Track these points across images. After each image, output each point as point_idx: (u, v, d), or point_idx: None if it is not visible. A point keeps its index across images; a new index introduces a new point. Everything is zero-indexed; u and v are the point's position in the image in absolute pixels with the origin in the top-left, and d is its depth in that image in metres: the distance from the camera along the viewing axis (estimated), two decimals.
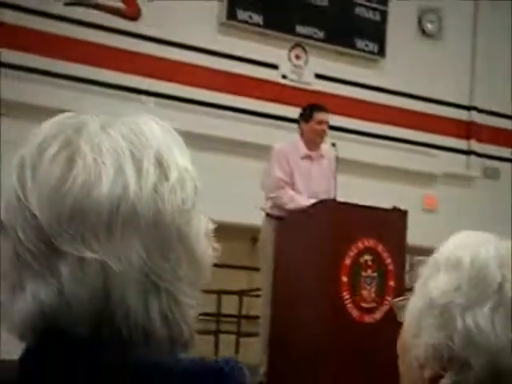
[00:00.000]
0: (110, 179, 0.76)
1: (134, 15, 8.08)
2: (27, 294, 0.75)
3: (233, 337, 7.96)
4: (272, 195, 5.67)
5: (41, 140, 0.79)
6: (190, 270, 0.79)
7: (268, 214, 5.77)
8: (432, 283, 1.11)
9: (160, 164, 0.79)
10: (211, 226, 0.84)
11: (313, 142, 5.87)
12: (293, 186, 5.73)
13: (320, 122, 5.84)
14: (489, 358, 1.04)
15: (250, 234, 7.58)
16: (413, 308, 1.13)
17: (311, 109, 5.95)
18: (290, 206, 5.59)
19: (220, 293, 8.04)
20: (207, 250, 0.82)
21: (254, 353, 6.07)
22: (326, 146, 5.96)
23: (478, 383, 1.05)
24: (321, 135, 5.87)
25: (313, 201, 5.51)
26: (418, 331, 1.11)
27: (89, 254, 0.74)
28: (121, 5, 7.99)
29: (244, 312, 8.40)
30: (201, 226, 0.81)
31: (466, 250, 1.11)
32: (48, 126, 0.81)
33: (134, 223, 0.75)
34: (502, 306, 1.05)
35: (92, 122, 0.80)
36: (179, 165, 0.81)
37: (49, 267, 0.74)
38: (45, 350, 0.75)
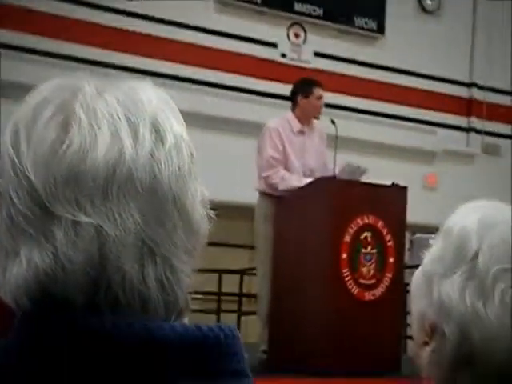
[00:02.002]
0: (105, 144, 0.75)
1: None
2: (22, 259, 0.75)
3: (234, 315, 8.00)
4: (264, 174, 5.63)
5: (35, 103, 0.79)
6: (185, 237, 0.79)
7: (261, 192, 5.75)
8: (427, 252, 1.14)
9: (156, 129, 0.78)
10: (207, 194, 0.84)
11: (309, 117, 5.83)
12: (286, 162, 5.67)
13: (319, 98, 5.81)
14: (460, 327, 1.05)
15: (250, 213, 7.60)
16: (414, 277, 1.15)
17: (310, 84, 5.89)
18: (281, 186, 5.54)
19: (221, 272, 8.07)
20: (203, 217, 0.82)
21: (255, 331, 6.10)
22: (315, 121, 5.91)
23: (454, 352, 1.06)
24: (319, 111, 5.85)
25: (305, 180, 5.47)
26: (413, 299, 1.14)
27: (84, 218, 0.73)
28: None
29: (245, 291, 8.43)
30: (196, 194, 0.81)
31: (460, 218, 1.12)
32: (43, 89, 0.80)
33: (130, 188, 0.75)
34: (474, 275, 1.05)
35: (87, 86, 0.80)
36: (175, 131, 0.80)
37: (43, 231, 0.74)
38: (41, 317, 0.75)
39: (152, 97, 0.81)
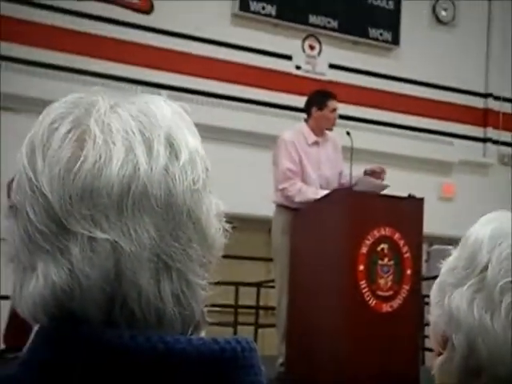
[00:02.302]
0: (120, 159, 0.75)
1: (146, 8, 8.10)
2: (39, 275, 0.75)
3: (251, 328, 7.98)
4: (280, 187, 5.63)
5: (51, 120, 0.79)
6: (201, 251, 0.79)
7: (278, 205, 5.76)
8: (445, 261, 1.14)
9: (170, 144, 0.79)
10: (222, 208, 0.84)
11: (323, 128, 5.83)
12: (302, 174, 5.67)
13: (333, 110, 5.81)
14: (468, 339, 1.05)
15: (267, 226, 7.59)
16: (433, 286, 1.15)
17: (325, 96, 5.90)
18: (298, 198, 5.53)
19: (238, 284, 8.06)
20: (218, 231, 0.82)
21: (272, 344, 6.09)
22: (326, 131, 5.91)
23: (462, 363, 1.06)
24: (333, 123, 5.85)
25: (322, 193, 5.47)
26: (430, 309, 1.14)
27: (99, 234, 0.74)
28: None
29: (262, 303, 8.42)
30: (211, 208, 0.81)
31: (475, 229, 1.12)
32: (57, 106, 0.81)
33: (145, 203, 0.75)
34: (483, 288, 1.05)
35: (101, 101, 0.80)
36: (189, 145, 0.80)
37: (60, 248, 0.75)
38: (58, 332, 0.75)
39: (166, 111, 0.81)
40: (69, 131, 0.77)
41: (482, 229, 1.11)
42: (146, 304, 0.75)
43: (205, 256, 0.80)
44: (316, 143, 5.81)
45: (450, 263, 1.12)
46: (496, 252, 1.07)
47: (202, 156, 0.82)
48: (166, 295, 0.76)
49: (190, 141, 0.81)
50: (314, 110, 5.81)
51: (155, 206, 0.76)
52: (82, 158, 0.75)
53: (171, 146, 0.79)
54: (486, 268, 1.06)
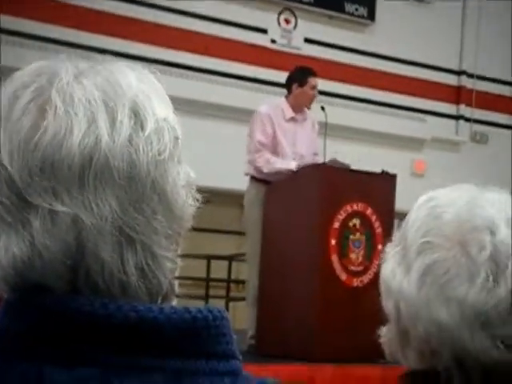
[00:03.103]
0: (82, 131, 0.74)
1: None
2: (1, 247, 0.75)
3: (222, 301, 8.01)
4: (249, 158, 5.68)
5: (13, 90, 0.78)
6: (166, 223, 0.78)
7: (252, 178, 5.76)
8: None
9: (135, 114, 0.77)
10: (193, 176, 0.83)
11: (302, 105, 5.84)
12: (276, 148, 5.68)
13: (313, 87, 5.81)
14: (395, 304, 1.07)
15: (239, 199, 7.59)
16: None
17: (306, 73, 5.88)
18: (266, 169, 5.57)
19: (210, 257, 8.07)
20: (186, 201, 0.81)
21: (243, 317, 6.11)
22: (306, 109, 5.91)
23: (395, 329, 1.09)
24: (312, 100, 5.85)
25: (291, 163, 5.49)
26: None
27: (60, 207, 0.73)
28: None
29: (233, 277, 8.45)
30: (179, 178, 0.80)
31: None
32: (21, 74, 0.79)
33: (107, 176, 0.74)
34: (406, 253, 1.07)
35: (65, 70, 0.78)
36: (157, 114, 0.79)
37: (21, 220, 0.74)
38: (21, 300, 0.75)
39: (132, 80, 0.80)
40: (30, 101, 0.76)
41: (418, 201, 1.12)
42: (109, 276, 0.75)
43: (171, 228, 0.79)
44: (293, 119, 5.81)
45: (395, 236, 1.14)
46: (418, 215, 1.08)
47: (171, 125, 0.80)
48: (130, 268, 0.76)
49: (158, 110, 0.80)
50: (294, 86, 5.81)
51: (117, 178, 0.75)
52: (41, 130, 0.74)
53: (136, 116, 0.77)
54: (421, 250, 1.07)
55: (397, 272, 1.07)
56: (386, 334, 1.12)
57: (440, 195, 1.11)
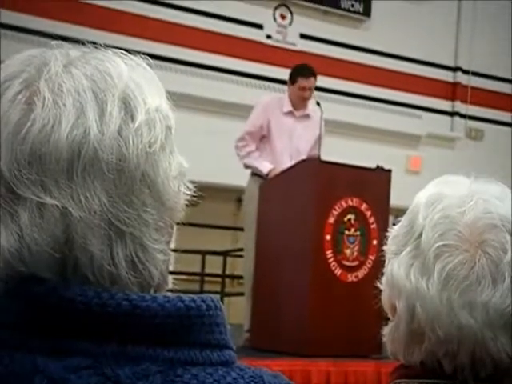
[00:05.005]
0: (70, 123, 0.73)
1: None
2: None
3: (217, 296, 8.00)
4: (235, 144, 5.76)
5: (2, 80, 0.77)
6: (157, 215, 0.78)
7: (252, 173, 5.78)
8: (391, 230, 1.16)
9: (126, 105, 0.76)
10: (185, 166, 0.82)
11: (295, 103, 5.86)
12: (268, 139, 5.72)
13: (303, 89, 5.76)
14: (408, 305, 1.06)
15: (235, 195, 7.59)
16: None
17: (297, 73, 5.85)
18: (245, 160, 5.68)
19: (204, 253, 8.08)
20: (178, 192, 0.80)
21: (238, 312, 6.12)
22: (313, 107, 5.90)
23: (405, 329, 1.08)
24: (303, 101, 5.83)
25: (268, 168, 5.56)
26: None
27: (48, 200, 0.73)
28: None
29: (228, 272, 8.45)
30: (171, 169, 0.79)
31: (418, 195, 1.14)
32: (10, 64, 0.78)
33: (96, 169, 0.74)
34: (420, 253, 1.07)
35: (54, 60, 0.77)
36: (148, 105, 0.78)
37: (10, 212, 0.73)
38: (12, 292, 0.75)
39: (123, 69, 0.79)
40: (18, 92, 0.75)
41: (422, 195, 1.12)
42: (98, 269, 0.75)
43: (162, 220, 0.79)
44: (291, 114, 5.81)
45: (394, 231, 1.14)
46: (429, 216, 1.08)
47: (163, 114, 0.79)
48: (120, 260, 0.76)
49: (150, 99, 0.79)
50: (288, 83, 5.86)
51: (106, 171, 0.74)
52: (29, 122, 0.73)
53: (126, 107, 0.76)
54: (421, 234, 1.07)
55: (411, 272, 1.06)
56: (390, 332, 1.12)
57: (446, 193, 1.11)
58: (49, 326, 0.73)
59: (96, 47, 0.81)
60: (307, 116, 5.87)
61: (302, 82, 5.75)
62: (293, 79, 5.80)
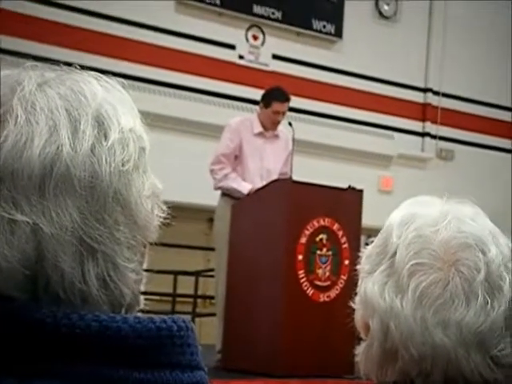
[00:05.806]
0: (43, 140, 0.73)
1: None
2: None
3: (189, 317, 7.96)
4: (210, 168, 5.73)
5: None
6: (129, 233, 0.77)
7: (222, 193, 5.78)
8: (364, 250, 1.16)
9: (99, 124, 0.76)
10: (159, 187, 0.82)
11: (266, 125, 5.89)
12: (240, 161, 5.74)
13: (276, 113, 5.80)
14: (382, 324, 1.06)
15: (206, 215, 7.56)
16: None
17: (271, 97, 5.86)
18: (221, 183, 5.67)
19: (176, 273, 8.03)
20: (151, 212, 0.80)
21: (210, 333, 6.09)
22: (282, 128, 5.94)
23: (379, 348, 1.08)
24: (274, 124, 5.86)
25: (246, 186, 5.56)
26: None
27: (19, 217, 0.72)
28: None
29: (200, 292, 8.41)
30: (143, 188, 0.79)
31: (392, 215, 1.14)
32: None
33: (68, 186, 0.74)
34: (394, 272, 1.07)
35: (28, 79, 0.78)
36: (122, 125, 0.78)
37: None
38: None
39: (98, 90, 0.79)
40: None
41: (395, 214, 1.13)
42: (69, 287, 0.74)
43: (134, 238, 0.78)
44: (261, 135, 5.84)
45: (368, 251, 1.14)
46: (403, 236, 1.08)
47: (137, 135, 0.80)
48: (91, 278, 0.75)
49: (124, 120, 0.79)
50: (261, 105, 5.87)
51: (78, 188, 0.74)
52: (1, 139, 0.73)
53: (100, 125, 0.77)
54: (395, 253, 1.07)
55: (385, 291, 1.06)
56: (363, 351, 1.12)
57: (419, 213, 1.11)
58: (18, 347, 0.72)
59: (71, 69, 0.82)
60: (276, 136, 5.90)
61: (276, 106, 5.78)
62: (267, 102, 5.81)
